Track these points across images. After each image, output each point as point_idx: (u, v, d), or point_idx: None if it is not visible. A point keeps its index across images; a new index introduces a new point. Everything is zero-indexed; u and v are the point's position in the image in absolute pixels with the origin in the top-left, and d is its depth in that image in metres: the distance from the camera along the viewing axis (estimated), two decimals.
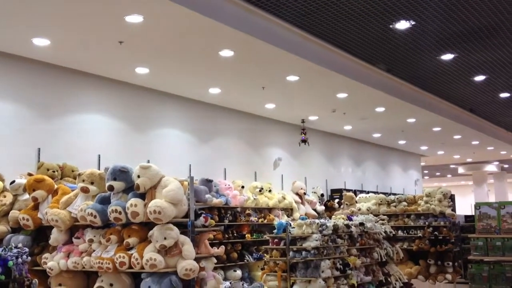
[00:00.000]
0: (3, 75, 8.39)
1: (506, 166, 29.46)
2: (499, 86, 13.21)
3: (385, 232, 9.88)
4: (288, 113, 13.56)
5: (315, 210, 13.53)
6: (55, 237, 5.73)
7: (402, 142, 18.88)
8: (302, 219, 8.44)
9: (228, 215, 10.87)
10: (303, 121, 14.26)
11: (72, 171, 8.34)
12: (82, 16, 7.12)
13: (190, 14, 7.13)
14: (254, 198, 11.66)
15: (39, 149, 8.63)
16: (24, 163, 8.22)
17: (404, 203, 12.27)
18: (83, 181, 5.80)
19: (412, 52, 10.50)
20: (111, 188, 5.47)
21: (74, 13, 7.02)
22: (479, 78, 12.38)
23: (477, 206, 5.83)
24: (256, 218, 11.53)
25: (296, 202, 12.91)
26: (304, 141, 14.36)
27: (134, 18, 7.18)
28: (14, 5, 6.70)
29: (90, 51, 8.58)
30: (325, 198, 14.86)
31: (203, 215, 5.91)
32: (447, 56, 10.77)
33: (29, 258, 3.68)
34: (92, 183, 5.78)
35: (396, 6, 8.12)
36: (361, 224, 9.19)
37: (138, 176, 5.43)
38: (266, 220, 11.68)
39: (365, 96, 12.02)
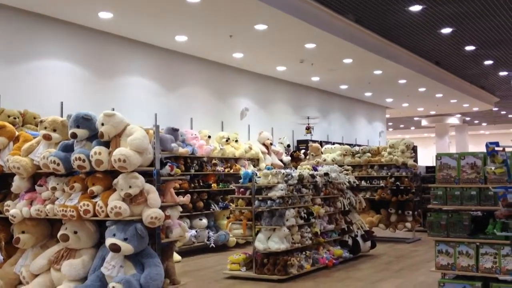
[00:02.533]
0: None
1: (467, 118, 30.21)
2: (465, 39, 13.34)
3: (349, 182, 10.07)
4: (256, 63, 13.43)
5: (281, 160, 13.68)
6: (17, 184, 5.62)
7: (368, 94, 19.05)
8: (268, 169, 8.51)
9: (195, 164, 10.90)
10: (308, 118, 15.41)
11: (34, 118, 8.14)
12: None
13: None
14: (221, 148, 11.68)
15: None
16: None
17: (368, 154, 12.49)
18: (45, 128, 5.65)
19: (381, 2, 10.44)
20: (74, 135, 5.35)
21: None
22: (446, 30, 12.46)
23: (438, 156, 5.96)
24: (223, 168, 11.59)
25: (262, 152, 13.01)
26: (308, 128, 15.19)
27: None
28: None
29: None
30: (291, 148, 15.02)
31: (168, 164, 5.87)
32: (415, 8, 10.76)
33: None
34: (54, 131, 5.63)
35: None
36: (326, 174, 9.33)
37: (102, 124, 5.30)
38: (232, 170, 11.75)
39: (333, 47, 11.99)
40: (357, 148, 13.00)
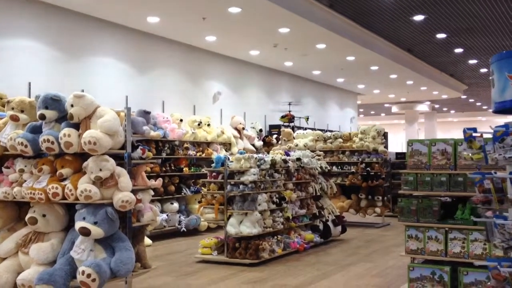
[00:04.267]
0: None
1: (436, 106, 30.69)
2: (437, 27, 13.47)
3: (321, 167, 10.12)
4: (229, 46, 13.32)
5: (253, 145, 13.66)
6: None
7: (340, 80, 19.13)
8: (241, 153, 8.48)
9: (166, 148, 10.79)
10: (289, 104, 13.81)
11: (1, 98, 7.91)
12: None
13: None
14: (193, 132, 11.58)
15: None
16: None
17: (340, 140, 12.56)
18: (12, 109, 5.50)
19: None
20: (42, 116, 5.21)
21: None
22: (418, 18, 12.55)
23: (410, 143, 6.02)
24: (194, 152, 11.51)
25: (234, 137, 12.96)
26: (286, 117, 13.76)
27: None
28: None
29: None
30: (264, 133, 15.00)
31: (140, 147, 5.79)
32: None
33: None
34: (22, 112, 5.48)
35: None
36: (298, 159, 9.35)
37: (72, 106, 5.18)
38: (204, 154, 11.68)
39: (307, 31, 11.96)
40: (328, 133, 13.07)
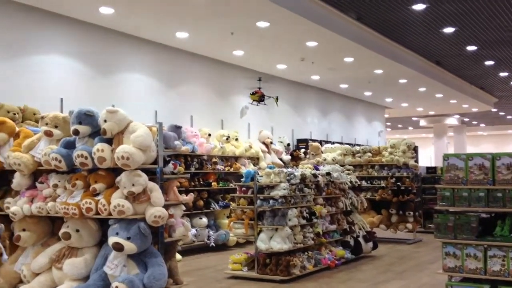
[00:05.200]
0: None
1: (466, 119, 30.18)
2: (467, 39, 13.27)
3: (351, 182, 9.98)
4: (256, 60, 13.32)
5: (281, 159, 13.60)
6: (18, 181, 5.51)
7: (368, 93, 18.98)
8: (270, 168, 8.41)
9: (195, 163, 10.80)
10: (259, 79, 12.11)
11: (34, 114, 8.02)
12: None
13: None
14: (221, 147, 11.58)
15: None
16: None
17: (369, 154, 12.40)
18: (47, 124, 5.54)
19: (383, 1, 10.35)
20: (76, 132, 5.24)
21: None
22: (448, 30, 12.38)
23: (446, 157, 5.87)
24: (223, 167, 11.49)
25: (262, 151, 12.92)
26: (260, 97, 11.93)
27: None
28: None
29: None
30: (291, 147, 14.93)
31: (171, 162, 5.78)
32: (419, 6, 10.68)
33: None
34: (56, 127, 5.52)
35: None
36: (328, 174, 9.25)
37: (105, 121, 5.20)
38: (232, 169, 11.66)
39: (334, 45, 11.90)
40: (357, 147, 12.92)
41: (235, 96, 13.70)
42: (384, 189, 11.81)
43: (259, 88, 10.71)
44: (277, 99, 10.32)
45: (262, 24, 10.13)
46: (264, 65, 13.91)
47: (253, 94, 11.06)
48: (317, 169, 9.44)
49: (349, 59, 13.29)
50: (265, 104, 10.15)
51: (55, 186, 5.33)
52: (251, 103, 10.70)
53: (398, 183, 11.65)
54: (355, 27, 11.71)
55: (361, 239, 9.68)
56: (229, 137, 11.93)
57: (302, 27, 10.39)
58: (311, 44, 11.71)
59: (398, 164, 11.82)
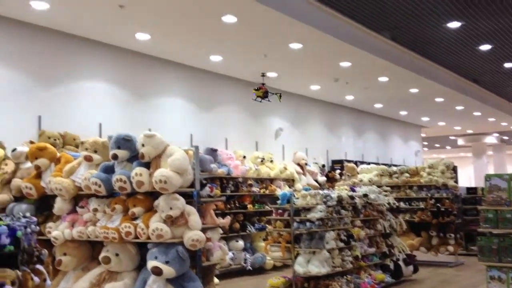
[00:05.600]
0: (1, 40, 8.15)
1: (505, 138, 29.41)
2: (504, 56, 13.02)
3: (389, 203, 9.80)
4: (289, 82, 13.35)
5: (316, 180, 13.48)
6: (59, 206, 5.61)
7: (403, 113, 18.74)
8: (306, 189, 8.34)
9: (230, 185, 10.81)
10: (263, 75, 11.18)
11: (74, 139, 8.20)
12: None
13: None
14: (256, 169, 11.57)
15: (39, 116, 8.46)
16: (25, 131, 8.05)
17: (406, 174, 12.18)
18: (86, 149, 5.66)
19: (417, 19, 10.27)
20: (115, 156, 5.33)
21: None
22: (485, 47, 12.18)
23: (487, 177, 5.72)
24: (258, 189, 11.46)
25: (297, 172, 12.85)
26: (264, 93, 10.76)
27: None
28: None
29: (89, 15, 8.34)
30: (326, 168, 14.81)
31: (208, 185, 5.80)
32: (454, 24, 10.55)
33: (38, 227, 3.53)
34: (95, 152, 5.63)
35: None
36: (365, 195, 9.10)
37: (143, 145, 5.28)
38: (268, 191, 11.61)
39: (368, 65, 11.82)
40: (394, 168, 12.71)
41: (269, 118, 13.72)
42: (423, 210, 11.54)
43: (263, 84, 10.12)
44: (280, 96, 9.68)
45: (295, 45, 10.16)
46: (298, 86, 13.92)
47: (257, 89, 10.42)
48: (353, 190, 9.31)
49: (383, 79, 13.19)
50: (269, 100, 9.51)
51: (95, 210, 5.41)
52: (255, 99, 10.05)
53: (438, 204, 11.38)
54: (389, 46, 11.62)
55: (401, 263, 9.44)
56: (263, 159, 11.92)
57: (335, 47, 10.38)
58: (345, 64, 11.67)
59: (437, 184, 11.57)
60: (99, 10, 8.09)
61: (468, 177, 29.44)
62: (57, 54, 8.94)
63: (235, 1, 7.85)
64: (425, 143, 30.03)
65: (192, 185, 5.44)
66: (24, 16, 8.21)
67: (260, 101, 9.61)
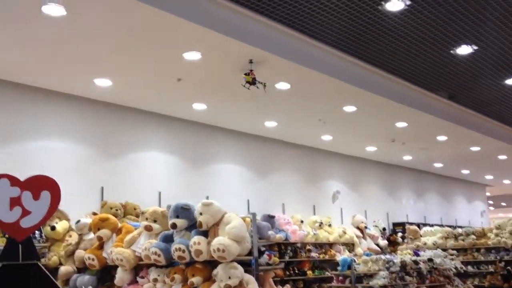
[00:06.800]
0: (67, 116, 8.63)
1: None
2: None
3: (455, 268, 9.36)
4: (345, 144, 13.29)
5: (377, 244, 13.04)
6: (120, 276, 5.69)
7: (465, 171, 18.15)
8: (367, 255, 8.12)
9: (289, 251, 10.62)
10: (251, 61, 10.59)
11: (134, 209, 8.39)
12: (142, 55, 7.25)
13: (245, 48, 7.13)
14: (314, 233, 11.36)
15: (102, 187, 8.76)
16: (88, 202, 8.32)
17: (473, 236, 11.66)
18: (146, 219, 5.77)
19: (474, 78, 10.11)
20: (174, 226, 5.40)
21: (134, 53, 7.15)
22: None
23: None
24: (317, 254, 11.20)
25: (357, 236, 12.49)
26: (253, 79, 10.40)
27: (192, 55, 7.24)
28: (77, 47, 6.89)
29: (149, 89, 8.73)
30: (387, 232, 14.36)
31: (266, 252, 5.74)
32: None
33: None
34: (155, 221, 5.74)
35: (456, 31, 7.85)
36: (430, 260, 8.75)
37: (200, 214, 5.34)
38: (327, 256, 11.32)
39: (425, 124, 11.64)
40: (459, 230, 12.20)
41: (326, 181, 13.61)
42: (493, 274, 10.94)
43: (251, 70, 9.59)
44: (264, 85, 9.17)
45: (349, 108, 10.18)
46: (353, 148, 13.83)
47: (247, 74, 9.84)
48: (417, 254, 8.98)
49: (442, 138, 12.91)
50: (257, 87, 9.04)
51: (155, 280, 5.44)
52: (244, 85, 9.46)
53: (508, 267, 10.75)
54: (447, 105, 11.44)
55: None
56: (322, 223, 11.71)
57: (390, 108, 10.32)
58: (401, 124, 11.54)
59: (506, 246, 11.00)
60: (158, 84, 8.47)
61: None
62: (118, 127, 9.33)
63: (288, 69, 8.03)
64: (491, 202, 28.76)
65: (250, 253, 5.40)
66: (88, 92, 8.69)
67: (248, 88, 9.13)
